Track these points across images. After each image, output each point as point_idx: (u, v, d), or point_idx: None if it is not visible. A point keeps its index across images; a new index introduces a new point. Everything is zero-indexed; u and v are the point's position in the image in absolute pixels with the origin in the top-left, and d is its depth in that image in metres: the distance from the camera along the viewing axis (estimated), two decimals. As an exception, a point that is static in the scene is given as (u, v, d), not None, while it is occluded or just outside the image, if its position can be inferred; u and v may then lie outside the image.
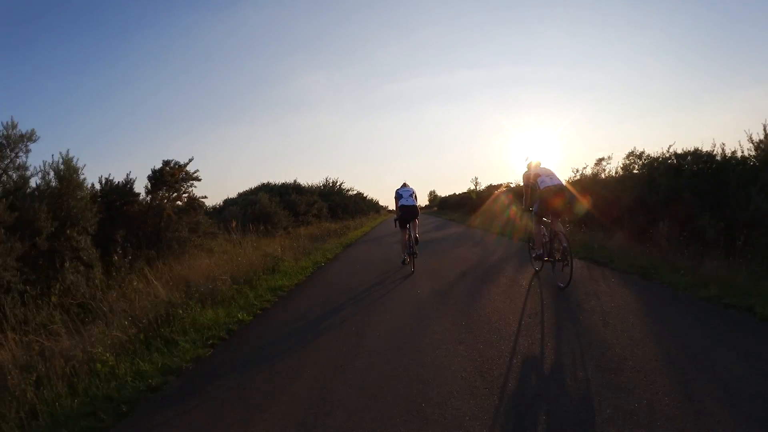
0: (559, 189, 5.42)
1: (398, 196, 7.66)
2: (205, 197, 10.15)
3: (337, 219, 26.39)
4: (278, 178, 22.52)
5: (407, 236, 7.44)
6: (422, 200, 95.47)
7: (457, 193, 47.62)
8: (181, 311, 5.17)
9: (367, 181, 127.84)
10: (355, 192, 35.47)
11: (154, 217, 9.61)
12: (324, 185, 31.45)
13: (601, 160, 12.31)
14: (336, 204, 28.23)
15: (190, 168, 10.28)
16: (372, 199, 49.19)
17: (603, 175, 11.88)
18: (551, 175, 5.60)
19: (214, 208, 20.24)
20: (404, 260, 7.59)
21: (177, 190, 10.08)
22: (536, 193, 5.69)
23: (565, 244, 5.22)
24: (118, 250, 8.52)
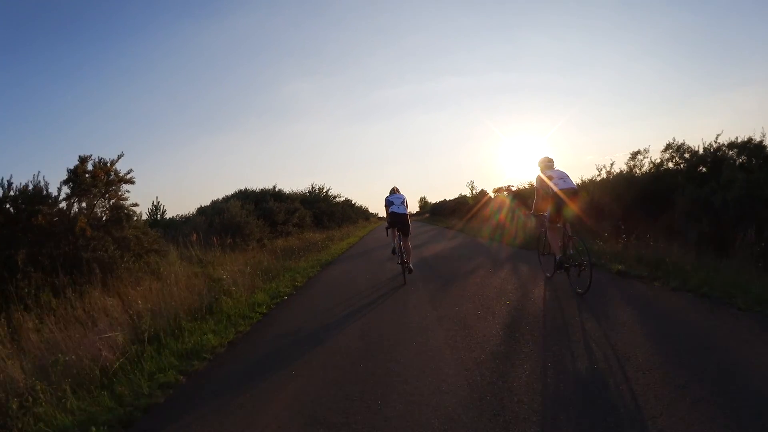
0: (573, 192, 5.23)
1: (388, 203, 7.32)
2: (136, 204, 7.78)
3: (323, 228, 24.08)
4: (263, 184, 20.00)
5: (399, 240, 7.09)
6: (413, 206, 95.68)
7: (448, 199, 45.96)
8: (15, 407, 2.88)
9: (356, 189, 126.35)
10: (342, 199, 33.21)
11: (65, 231, 7.24)
12: (309, 192, 29.21)
13: (636, 153, 10.24)
14: (321, 212, 25.92)
15: (121, 167, 7.95)
16: (361, 207, 46.91)
17: (638, 171, 9.83)
18: (565, 177, 5.35)
19: (185, 217, 17.83)
20: (394, 250, 7.34)
21: (101, 196, 7.73)
22: (549, 196, 5.41)
23: (580, 248, 5.05)
24: (18, 276, 6.30)
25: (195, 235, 12.64)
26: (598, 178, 10.86)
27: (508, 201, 18.42)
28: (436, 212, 48.87)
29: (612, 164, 10.62)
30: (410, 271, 6.98)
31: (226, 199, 17.74)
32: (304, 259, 10.76)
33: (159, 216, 16.50)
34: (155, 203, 16.22)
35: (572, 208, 5.21)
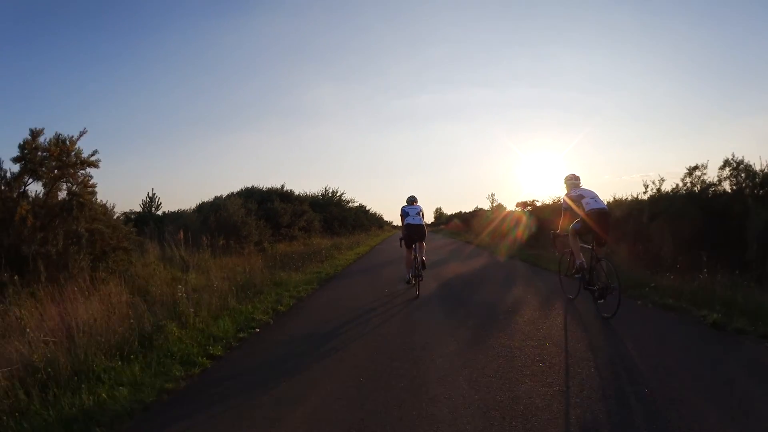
0: (605, 213, 4.97)
1: (404, 213, 7.06)
2: (92, 190, 6.41)
3: (332, 234, 22.67)
4: (273, 183, 18.71)
5: (413, 257, 6.82)
6: (428, 217, 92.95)
7: (463, 211, 44.31)
8: None
9: (372, 196, 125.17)
10: (356, 204, 31.80)
11: (8, 219, 5.92)
12: (322, 195, 27.90)
13: (694, 169, 8.48)
14: (333, 216, 24.54)
15: (84, 147, 6.63)
16: (376, 214, 45.49)
17: (696, 189, 8.07)
18: (596, 197, 5.07)
19: (182, 213, 16.57)
20: (408, 280, 7.06)
21: (60, 179, 6.40)
22: (578, 215, 5.12)
23: (610, 270, 4.78)
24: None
25: (182, 233, 11.25)
26: (644, 196, 9.12)
27: (525, 217, 16.66)
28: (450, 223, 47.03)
29: (662, 180, 8.87)
30: (422, 278, 6.81)
31: (230, 196, 16.48)
32: (302, 270, 9.26)
33: (154, 209, 15.31)
34: (150, 195, 15.03)
35: (603, 230, 4.94)
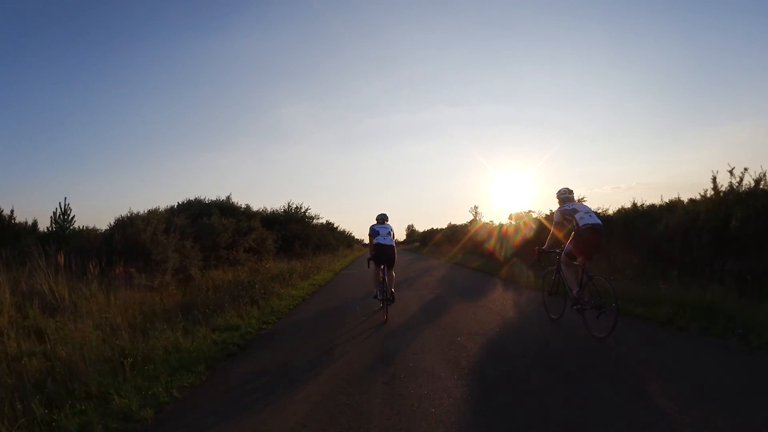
0: (599, 229, 4.79)
1: (373, 232, 6.80)
2: None
3: (292, 255, 19.26)
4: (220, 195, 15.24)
5: (381, 276, 6.49)
6: (400, 234, 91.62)
7: (435, 228, 42.00)
8: None
9: (343, 214, 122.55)
10: (323, 221, 28.44)
11: None
12: (285, 210, 24.49)
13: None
14: (294, 234, 21.13)
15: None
16: (345, 231, 42.15)
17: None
18: (590, 212, 4.97)
19: (92, 230, 12.74)
20: (376, 294, 6.61)
21: None
22: (572, 231, 4.99)
23: (602, 286, 4.67)
24: None
25: (62, 256, 7.99)
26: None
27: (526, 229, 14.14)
28: (427, 241, 44.31)
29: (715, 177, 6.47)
30: (392, 301, 6.48)
31: (153, 211, 12.93)
32: (218, 316, 5.99)
33: (65, 224, 11.48)
34: (62, 207, 11.22)
35: (597, 245, 4.83)
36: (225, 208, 14.58)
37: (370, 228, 6.84)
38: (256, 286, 7.77)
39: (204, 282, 10.08)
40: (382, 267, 6.50)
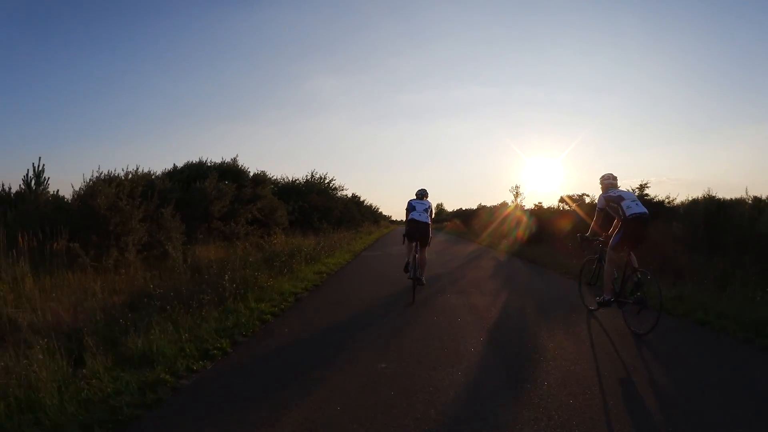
0: (647, 218, 4.51)
1: (410, 207, 6.53)
2: None
3: (309, 229, 16.91)
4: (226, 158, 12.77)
5: (414, 254, 6.18)
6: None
7: (464, 208, 39.05)
8: None
9: (370, 189, 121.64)
10: (348, 194, 25.87)
11: None
12: (306, 180, 22.10)
13: None
14: (313, 206, 18.73)
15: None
16: (371, 206, 39.61)
17: None
18: (636, 201, 4.67)
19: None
20: (407, 264, 6.32)
21: None
22: (619, 220, 4.72)
23: (646, 281, 4.46)
24: None
25: None
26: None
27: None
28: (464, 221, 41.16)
29: None
30: (422, 284, 6.32)
31: (166, 175, 10.74)
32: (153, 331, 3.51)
33: (37, 187, 9.41)
34: (35, 168, 9.15)
35: (644, 236, 4.61)
36: (227, 171, 12.16)
37: (408, 202, 6.57)
38: (227, 279, 5.19)
39: (180, 263, 7.76)
40: (415, 244, 6.24)
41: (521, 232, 15.43)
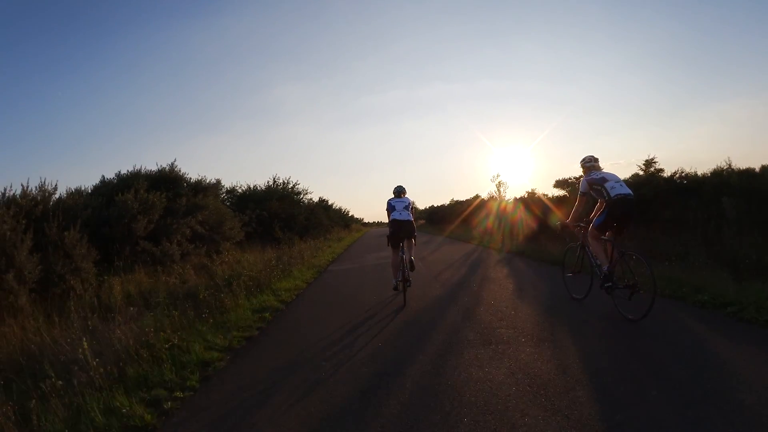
0: (631, 199, 4.49)
1: (390, 207, 6.36)
2: None
3: (272, 241, 15.18)
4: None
5: (400, 258, 5.99)
6: None
7: (436, 205, 38.12)
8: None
9: (341, 194, 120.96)
10: (312, 199, 24.12)
11: None
12: (267, 186, 20.26)
13: None
14: (273, 214, 16.96)
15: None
16: (341, 209, 37.94)
17: None
18: (620, 181, 4.65)
19: None
20: (396, 286, 6.17)
21: None
22: (602, 203, 4.73)
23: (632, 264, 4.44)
24: None
25: None
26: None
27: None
28: (434, 219, 40.17)
29: None
30: (411, 269, 6.00)
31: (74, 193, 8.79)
32: None
33: None
34: None
35: (629, 218, 4.56)
36: (162, 180, 10.31)
37: (387, 203, 6.44)
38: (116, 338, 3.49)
39: (89, 300, 5.99)
40: (401, 247, 6.08)
41: (520, 227, 14.25)
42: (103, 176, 10.58)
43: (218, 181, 10.95)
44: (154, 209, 8.59)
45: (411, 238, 6.18)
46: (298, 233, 18.04)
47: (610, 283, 4.47)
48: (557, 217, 10.34)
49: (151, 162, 31.05)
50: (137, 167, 10.59)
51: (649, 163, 10.72)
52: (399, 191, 6.52)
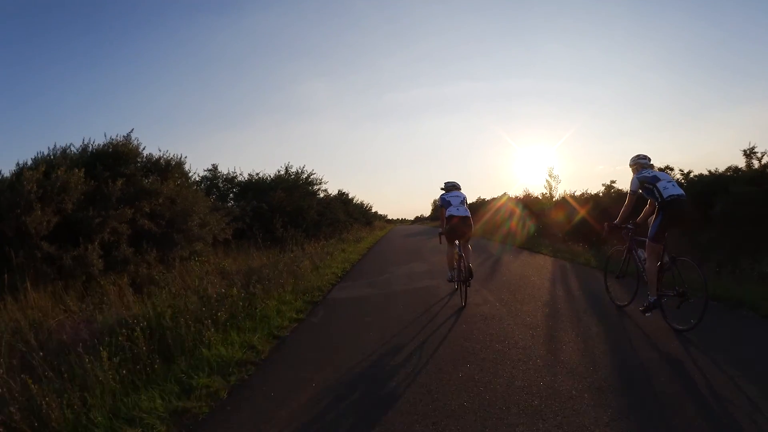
0: (684, 200, 4.28)
1: (444, 203, 6.08)
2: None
3: (271, 241, 12.32)
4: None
5: (456, 254, 5.85)
6: (426, 210, 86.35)
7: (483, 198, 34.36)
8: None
9: (365, 190, 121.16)
10: (327, 191, 21.08)
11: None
12: (277, 176, 17.42)
13: None
14: (275, 207, 14.08)
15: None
16: (363, 204, 34.94)
17: None
18: (673, 181, 4.47)
19: None
20: (451, 278, 6.02)
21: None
22: (652, 205, 4.67)
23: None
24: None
25: None
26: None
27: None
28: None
29: None
30: (471, 277, 5.59)
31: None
32: None
33: None
34: None
35: (685, 221, 4.50)
36: (107, 156, 7.50)
37: (440, 199, 6.17)
38: None
39: None
40: (457, 242, 5.89)
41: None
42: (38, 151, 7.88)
43: (182, 159, 7.93)
44: (67, 194, 5.78)
45: (468, 240, 5.94)
46: (307, 231, 15.13)
47: (659, 294, 4.27)
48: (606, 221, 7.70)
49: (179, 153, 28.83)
50: (87, 141, 7.78)
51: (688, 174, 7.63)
52: (452, 186, 6.31)
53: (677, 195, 4.24)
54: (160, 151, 8.06)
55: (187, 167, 8.81)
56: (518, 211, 18.62)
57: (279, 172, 17.84)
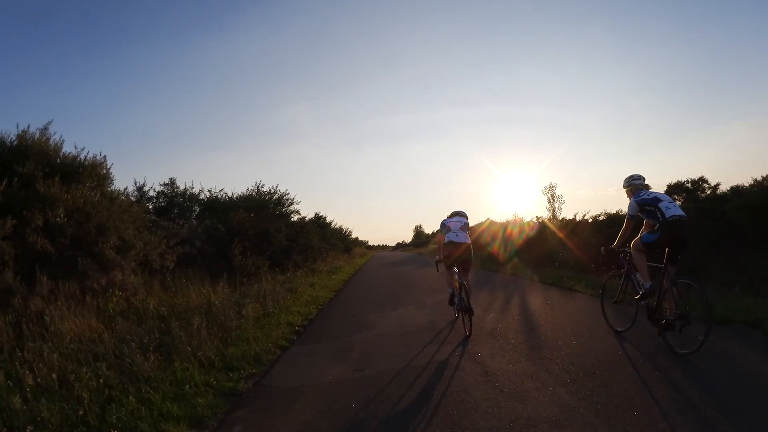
0: (686, 221, 4.34)
1: (444, 228, 5.97)
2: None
3: (228, 272, 10.54)
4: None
5: (456, 281, 5.59)
6: (407, 236, 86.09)
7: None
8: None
9: (347, 216, 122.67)
10: (300, 213, 19.36)
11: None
12: (246, 196, 15.73)
13: None
14: (234, 231, 12.35)
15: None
16: (342, 229, 33.27)
17: None
18: (673, 202, 4.54)
19: None
20: (452, 300, 5.81)
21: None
22: (648, 225, 4.74)
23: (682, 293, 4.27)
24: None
25: None
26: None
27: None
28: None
29: None
30: (472, 312, 5.22)
31: None
32: None
33: None
34: None
35: (683, 242, 4.38)
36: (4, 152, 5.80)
37: (441, 224, 6.08)
38: None
39: None
40: (456, 272, 5.65)
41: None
42: None
43: (96, 160, 6.22)
44: None
45: (468, 268, 5.68)
46: (273, 259, 13.37)
47: (657, 316, 4.32)
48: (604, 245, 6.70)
49: (159, 177, 26.90)
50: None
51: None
52: (454, 211, 6.04)
53: (679, 216, 4.30)
54: (76, 148, 6.43)
55: (125, 173, 7.19)
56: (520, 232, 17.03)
57: (248, 190, 16.25)
